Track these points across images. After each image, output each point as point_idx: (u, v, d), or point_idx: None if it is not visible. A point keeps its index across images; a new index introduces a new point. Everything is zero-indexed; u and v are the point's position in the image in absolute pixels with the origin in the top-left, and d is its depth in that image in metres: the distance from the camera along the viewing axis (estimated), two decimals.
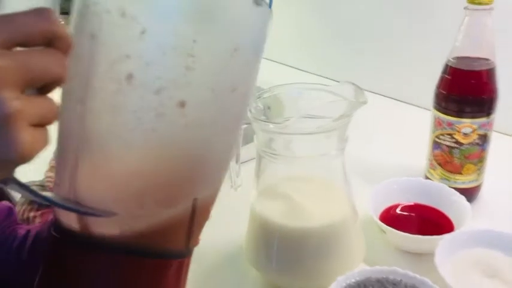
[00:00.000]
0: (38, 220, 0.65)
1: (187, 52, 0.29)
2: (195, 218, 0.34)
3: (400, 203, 0.61)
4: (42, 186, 0.69)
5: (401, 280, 0.48)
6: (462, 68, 0.60)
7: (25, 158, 0.25)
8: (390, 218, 0.59)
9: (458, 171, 0.63)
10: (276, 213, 0.51)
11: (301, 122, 0.46)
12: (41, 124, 0.26)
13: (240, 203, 0.53)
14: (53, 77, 0.26)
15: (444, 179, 0.64)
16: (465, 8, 0.57)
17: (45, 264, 0.34)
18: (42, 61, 0.26)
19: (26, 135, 0.24)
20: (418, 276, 0.47)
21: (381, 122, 0.91)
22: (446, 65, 0.61)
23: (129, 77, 0.29)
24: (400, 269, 0.48)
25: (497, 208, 0.64)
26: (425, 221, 0.59)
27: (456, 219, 0.58)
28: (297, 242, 0.51)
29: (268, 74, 1.19)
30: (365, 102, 0.45)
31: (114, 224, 0.31)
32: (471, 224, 0.55)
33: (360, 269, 0.49)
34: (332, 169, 0.50)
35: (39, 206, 0.67)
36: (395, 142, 0.82)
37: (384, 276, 0.48)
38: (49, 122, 0.27)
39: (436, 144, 0.64)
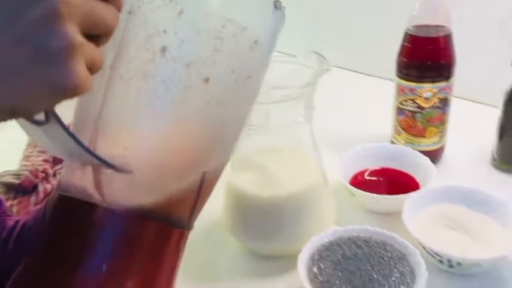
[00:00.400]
0: (15, 209, 0.66)
1: (217, 35, 0.33)
2: (201, 190, 0.36)
3: (368, 168, 0.64)
4: (18, 175, 0.70)
5: (371, 237, 0.51)
6: (420, 35, 0.62)
7: (76, 90, 0.26)
8: (359, 182, 0.62)
9: (421, 134, 0.66)
10: (249, 183, 0.53)
11: (270, 93, 0.48)
12: (89, 68, 0.27)
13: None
14: (108, 28, 0.28)
15: (409, 143, 0.67)
16: None
17: (50, 223, 0.35)
18: (103, 11, 0.27)
19: (82, 69, 0.26)
20: (387, 232, 0.50)
21: (347, 95, 0.94)
22: (406, 33, 0.63)
23: (163, 49, 0.32)
24: (370, 227, 0.51)
25: (460, 167, 0.68)
26: (393, 183, 0.62)
27: (422, 179, 0.61)
28: (270, 210, 0.53)
29: None
30: (328, 69, 0.47)
31: (128, 193, 0.33)
32: (436, 183, 0.58)
33: (332, 229, 0.52)
34: (301, 137, 0.53)
35: (16, 195, 0.67)
36: (362, 112, 0.85)
37: (355, 235, 0.51)
38: (95, 69, 0.28)
39: (399, 111, 0.67)
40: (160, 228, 0.35)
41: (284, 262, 0.53)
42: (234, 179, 0.54)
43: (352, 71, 1.03)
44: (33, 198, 0.66)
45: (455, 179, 0.64)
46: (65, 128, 0.29)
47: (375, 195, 0.57)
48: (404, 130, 0.67)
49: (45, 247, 0.34)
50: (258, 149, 0.54)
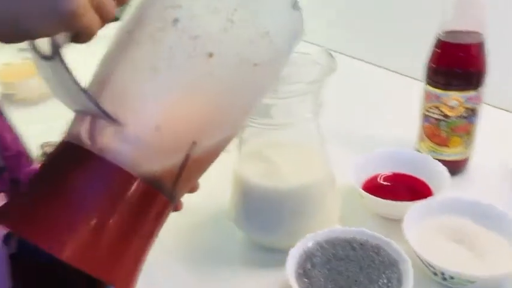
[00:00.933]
0: None
1: (228, 17, 0.35)
2: (185, 166, 0.37)
3: (383, 172, 0.63)
4: None
5: (367, 240, 0.51)
6: (450, 41, 0.60)
7: (73, 17, 0.28)
8: (372, 186, 0.62)
9: (445, 143, 0.64)
10: (254, 174, 0.54)
11: (278, 88, 0.49)
12: (98, 11, 0.30)
13: (230, 166, 0.56)
14: None
15: (432, 151, 0.65)
16: None
17: (45, 162, 0.37)
18: None
19: (84, 1, 0.28)
20: (383, 237, 0.50)
21: (376, 93, 0.93)
22: (437, 39, 0.62)
23: (175, 21, 0.35)
24: (367, 230, 0.51)
25: (483, 180, 0.65)
26: (406, 189, 0.61)
27: (436, 188, 0.59)
28: (273, 202, 0.54)
29: None
30: (334, 69, 0.48)
31: (121, 148, 0.34)
32: (449, 194, 0.57)
33: (330, 228, 0.52)
34: (308, 133, 0.53)
35: None
36: (390, 113, 0.84)
37: (352, 236, 0.51)
38: (105, 14, 0.31)
39: (425, 117, 0.65)
40: (146, 188, 0.35)
41: (284, 255, 0.54)
42: (239, 169, 0.55)
43: (387, 69, 1.01)
44: None
45: (476, 193, 0.62)
46: (66, 66, 0.32)
47: (380, 199, 0.56)
48: (428, 138, 0.65)
49: (35, 181, 0.36)
50: (264, 141, 0.56)
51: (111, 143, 0.35)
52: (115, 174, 0.35)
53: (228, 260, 0.57)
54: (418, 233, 0.52)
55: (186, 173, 0.38)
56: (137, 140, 0.35)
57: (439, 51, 0.61)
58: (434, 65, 0.62)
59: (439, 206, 0.54)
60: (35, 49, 0.34)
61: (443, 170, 0.60)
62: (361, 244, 0.50)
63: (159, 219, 0.38)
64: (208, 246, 0.59)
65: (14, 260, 0.52)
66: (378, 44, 1.04)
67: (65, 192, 0.34)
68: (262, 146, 0.56)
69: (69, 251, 0.32)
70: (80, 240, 0.32)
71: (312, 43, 1.13)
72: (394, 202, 0.56)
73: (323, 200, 0.55)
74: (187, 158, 0.37)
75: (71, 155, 0.36)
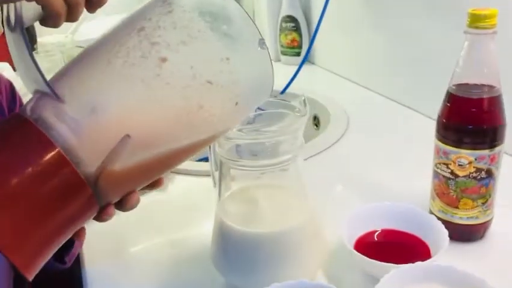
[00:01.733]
0: None
1: (190, 33, 0.40)
2: (114, 158, 0.37)
3: (385, 227, 0.59)
4: None
5: None
6: (460, 95, 0.56)
7: None
8: (368, 241, 0.58)
9: (454, 205, 0.59)
10: (232, 217, 0.54)
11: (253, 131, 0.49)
12: None
13: None
14: None
15: (442, 211, 0.60)
16: (465, 32, 0.55)
17: None
18: None
19: None
20: None
21: (401, 136, 0.91)
22: (447, 92, 0.58)
23: (141, 29, 0.40)
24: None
25: (504, 253, 0.59)
26: (404, 249, 0.57)
27: (435, 252, 0.54)
28: (250, 247, 0.53)
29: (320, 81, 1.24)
30: (305, 115, 0.47)
31: (60, 136, 0.36)
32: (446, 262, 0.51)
33: (299, 280, 0.49)
34: (288, 176, 0.52)
35: None
36: (413, 163, 0.81)
37: None
38: None
39: (435, 173, 0.61)
40: (70, 171, 0.36)
41: None
42: (218, 209, 0.55)
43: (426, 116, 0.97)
44: None
45: (489, 264, 0.56)
46: (25, 38, 0.35)
47: (363, 257, 0.53)
48: (438, 196, 0.60)
49: None
50: (244, 183, 0.55)
51: (48, 117, 0.37)
52: (38, 144, 0.35)
53: None
54: None
55: (114, 174, 0.37)
56: (72, 119, 0.36)
57: (449, 105, 0.57)
58: (444, 120, 0.58)
59: (424, 273, 0.49)
60: (8, 21, 0.38)
61: (444, 232, 0.55)
62: None
63: (78, 210, 0.37)
64: (189, 283, 0.58)
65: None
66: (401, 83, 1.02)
67: None
68: (240, 187, 0.56)
69: None
70: None
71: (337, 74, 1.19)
72: (375, 262, 0.52)
73: (302, 247, 0.53)
74: (115, 151, 0.37)
75: (11, 122, 0.38)
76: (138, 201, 0.43)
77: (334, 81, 1.25)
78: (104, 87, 0.38)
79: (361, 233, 0.59)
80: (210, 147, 0.58)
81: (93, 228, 0.62)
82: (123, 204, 0.42)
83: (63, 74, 0.40)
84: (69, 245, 0.54)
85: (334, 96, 1.10)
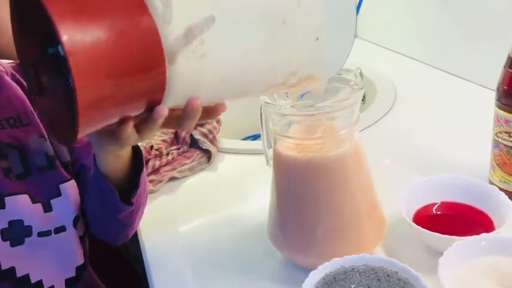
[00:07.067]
0: None
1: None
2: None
3: (444, 200, 0.58)
4: None
5: (397, 272, 0.47)
6: None
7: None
8: (427, 215, 0.57)
9: None
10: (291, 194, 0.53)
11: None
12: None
13: None
14: None
15: (503, 181, 0.58)
16: None
17: None
18: None
19: None
20: (413, 271, 0.46)
21: (455, 107, 0.88)
22: (508, 57, 0.55)
23: None
24: (398, 262, 0.47)
25: None
26: (464, 222, 0.56)
27: (498, 222, 0.53)
28: (309, 221, 0.53)
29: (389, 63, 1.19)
30: (362, 88, 0.46)
31: None
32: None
33: (360, 254, 0.49)
34: (343, 151, 0.51)
35: None
36: (469, 133, 0.78)
37: (381, 266, 0.48)
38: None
39: (495, 143, 0.58)
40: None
41: None
42: (275, 183, 0.55)
43: (467, 80, 0.95)
44: None
45: None
46: None
47: (425, 230, 0.52)
48: (499, 166, 0.58)
49: None
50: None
51: None
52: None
53: (262, 277, 0.56)
54: (460, 273, 0.47)
55: (189, 67, 0.37)
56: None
57: (510, 70, 0.55)
58: (505, 87, 0.56)
59: (490, 245, 0.48)
60: None
61: (508, 203, 0.53)
62: (388, 276, 0.47)
63: (146, 78, 0.36)
64: (246, 259, 0.59)
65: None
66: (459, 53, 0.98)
67: None
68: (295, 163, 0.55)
69: None
70: None
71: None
72: (438, 235, 0.51)
73: (359, 222, 0.52)
74: (199, 26, 0.37)
75: None
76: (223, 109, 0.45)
77: (377, 53, 1.22)
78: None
79: (419, 206, 0.58)
80: (261, 126, 0.57)
81: (149, 208, 0.64)
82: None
83: None
84: (134, 188, 0.57)
85: (378, 69, 1.07)
